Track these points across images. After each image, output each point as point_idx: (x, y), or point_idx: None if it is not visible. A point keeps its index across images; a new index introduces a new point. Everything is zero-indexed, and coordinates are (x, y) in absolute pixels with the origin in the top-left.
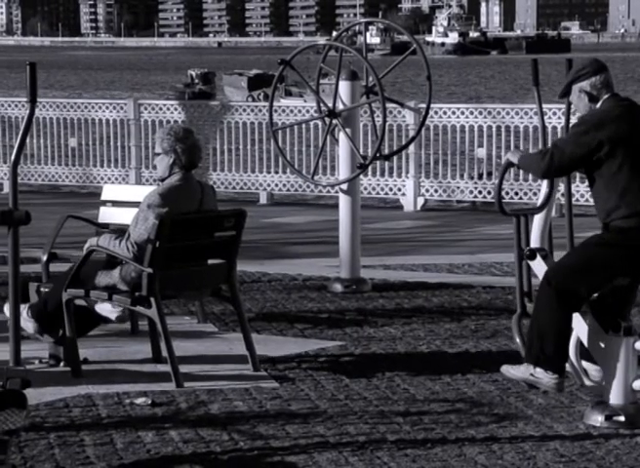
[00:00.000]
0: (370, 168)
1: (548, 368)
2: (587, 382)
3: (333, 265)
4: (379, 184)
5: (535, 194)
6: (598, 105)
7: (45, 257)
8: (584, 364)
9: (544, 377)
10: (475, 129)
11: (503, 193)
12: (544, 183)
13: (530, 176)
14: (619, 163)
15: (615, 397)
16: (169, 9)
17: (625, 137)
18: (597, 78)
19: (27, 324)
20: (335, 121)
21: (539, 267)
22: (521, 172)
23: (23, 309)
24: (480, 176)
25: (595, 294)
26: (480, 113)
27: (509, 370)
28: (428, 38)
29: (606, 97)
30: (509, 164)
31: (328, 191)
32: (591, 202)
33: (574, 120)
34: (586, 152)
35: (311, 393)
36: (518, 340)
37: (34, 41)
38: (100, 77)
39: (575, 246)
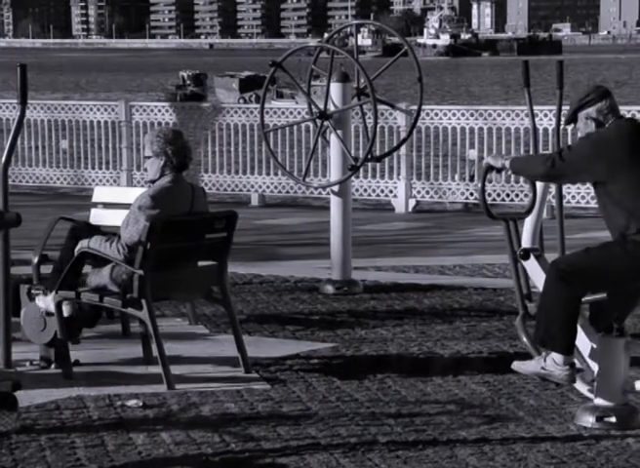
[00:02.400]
0: (361, 169)
1: (553, 347)
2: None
3: (324, 267)
4: (370, 186)
5: (526, 195)
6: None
7: (36, 260)
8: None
9: (555, 370)
10: (467, 130)
11: (495, 195)
12: (531, 187)
13: (520, 178)
14: (627, 182)
15: (606, 398)
16: (160, 10)
17: (631, 157)
18: (603, 104)
19: None
20: (326, 123)
21: (532, 267)
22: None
23: None
24: (472, 178)
25: (596, 296)
26: (472, 115)
27: (520, 366)
28: (420, 40)
29: (612, 120)
30: (489, 168)
31: (319, 193)
32: (582, 204)
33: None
34: (588, 169)
35: (303, 395)
36: (525, 340)
37: (25, 43)
38: (92, 79)
39: (564, 246)
